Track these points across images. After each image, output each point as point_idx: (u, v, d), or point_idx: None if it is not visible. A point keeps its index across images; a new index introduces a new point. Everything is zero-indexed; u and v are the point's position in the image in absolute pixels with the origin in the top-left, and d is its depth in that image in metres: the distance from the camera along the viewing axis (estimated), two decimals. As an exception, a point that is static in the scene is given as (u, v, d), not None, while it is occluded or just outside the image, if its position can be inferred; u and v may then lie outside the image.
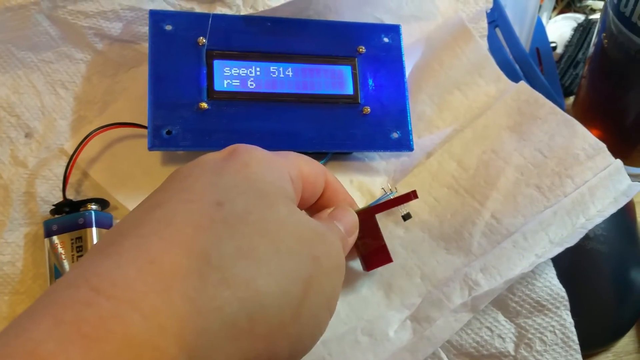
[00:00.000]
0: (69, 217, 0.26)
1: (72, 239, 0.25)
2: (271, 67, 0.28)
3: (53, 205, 0.27)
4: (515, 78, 0.30)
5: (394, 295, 0.25)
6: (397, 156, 0.30)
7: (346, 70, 0.29)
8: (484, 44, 0.31)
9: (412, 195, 0.24)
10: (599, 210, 0.25)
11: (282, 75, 0.28)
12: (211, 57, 0.27)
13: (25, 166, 0.28)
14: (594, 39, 0.31)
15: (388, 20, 0.32)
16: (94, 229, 0.25)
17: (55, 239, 0.26)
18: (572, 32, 0.39)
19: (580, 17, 0.40)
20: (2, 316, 0.26)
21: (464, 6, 0.32)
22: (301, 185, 0.20)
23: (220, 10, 0.30)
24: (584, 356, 0.24)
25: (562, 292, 0.24)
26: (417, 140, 0.29)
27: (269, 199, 0.17)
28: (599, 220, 0.24)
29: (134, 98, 0.29)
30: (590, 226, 0.24)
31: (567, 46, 0.38)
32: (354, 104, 0.28)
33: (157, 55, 0.26)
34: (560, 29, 0.40)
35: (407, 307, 0.25)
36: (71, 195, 0.28)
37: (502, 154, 0.27)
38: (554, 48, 0.38)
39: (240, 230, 0.16)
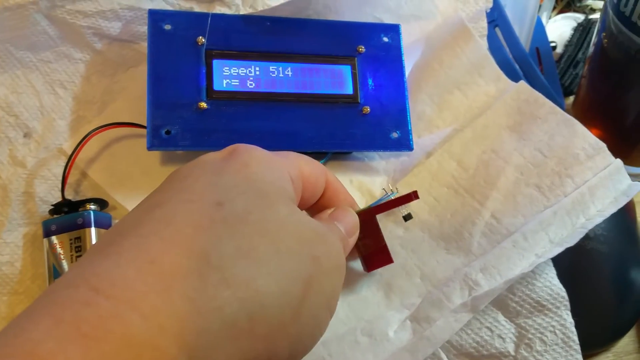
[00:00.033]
0: (67, 217, 0.26)
1: (70, 239, 0.25)
2: (270, 67, 0.28)
3: (52, 205, 0.27)
4: (515, 78, 0.30)
5: (393, 296, 0.25)
6: (397, 156, 0.30)
7: (346, 70, 0.29)
8: (484, 43, 0.31)
9: (412, 196, 0.24)
10: (599, 210, 0.25)
11: (281, 75, 0.28)
12: (210, 57, 0.27)
13: (24, 166, 0.28)
14: (593, 39, 0.31)
15: (387, 19, 0.32)
16: (93, 229, 0.25)
17: (54, 239, 0.25)
18: (572, 32, 0.39)
19: (580, 17, 0.40)
20: (1, 316, 0.26)
21: (463, 5, 0.32)
22: (301, 185, 0.20)
23: (219, 9, 0.30)
24: (584, 356, 0.24)
25: (563, 292, 0.24)
26: (416, 140, 0.29)
27: (269, 199, 0.17)
28: (599, 220, 0.24)
29: (133, 98, 0.29)
30: (590, 226, 0.24)
31: (567, 46, 0.38)
32: (354, 103, 0.28)
33: (156, 55, 0.26)
34: (560, 28, 0.40)
35: (407, 307, 0.25)
36: (70, 195, 0.27)
37: (502, 154, 0.27)
38: (554, 48, 0.38)
39: (240, 230, 0.16)
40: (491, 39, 0.32)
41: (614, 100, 0.31)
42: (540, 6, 0.39)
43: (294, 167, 0.20)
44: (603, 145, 0.26)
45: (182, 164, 0.19)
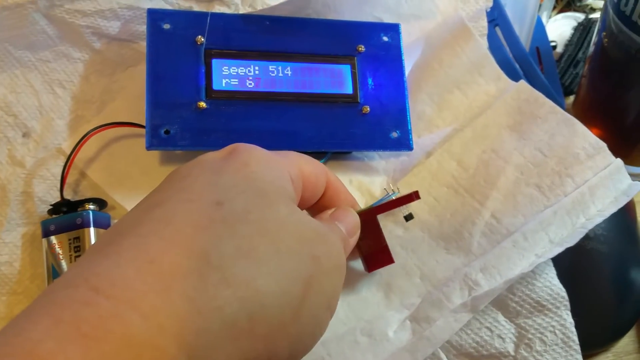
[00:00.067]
0: (66, 217, 0.26)
1: (69, 239, 0.25)
2: (270, 66, 0.27)
3: (51, 205, 0.27)
4: (515, 77, 0.30)
5: (393, 296, 0.25)
6: (397, 156, 0.30)
7: (345, 70, 0.29)
8: (484, 42, 0.31)
9: (414, 196, 0.24)
10: (599, 209, 0.25)
11: (281, 75, 0.28)
12: (209, 56, 0.27)
13: (22, 166, 0.28)
14: (594, 38, 0.31)
15: (387, 19, 0.32)
16: (92, 229, 0.25)
17: (52, 239, 0.25)
18: (572, 31, 0.39)
19: (580, 16, 0.39)
20: (0, 316, 0.26)
21: (463, 5, 0.32)
22: (301, 185, 0.20)
23: (218, 9, 0.29)
24: (584, 356, 0.24)
25: (562, 292, 0.24)
26: (416, 140, 0.29)
27: (268, 199, 0.17)
28: (599, 219, 0.24)
29: (132, 97, 0.29)
30: (590, 226, 0.24)
31: (567, 45, 0.38)
32: (354, 103, 0.28)
33: (155, 54, 0.26)
34: (560, 28, 0.40)
35: (407, 307, 0.25)
36: (69, 195, 0.27)
37: (502, 153, 0.27)
38: (554, 47, 0.38)
39: (240, 229, 0.16)
40: (491, 38, 0.32)
41: (615, 100, 0.31)
42: (540, 5, 0.39)
43: (294, 166, 0.20)
44: (603, 145, 0.26)
45: (181, 163, 0.19)
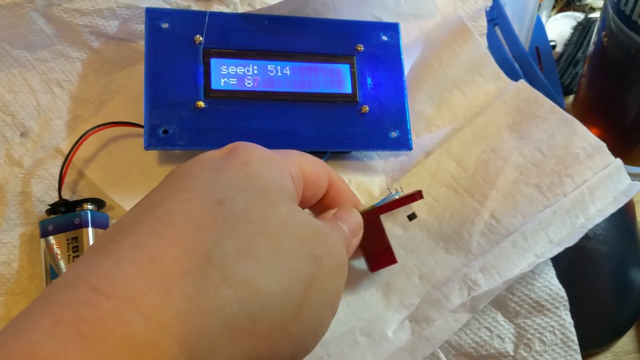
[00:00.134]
0: (64, 217, 0.26)
1: (68, 239, 0.25)
2: (269, 66, 0.27)
3: (49, 205, 0.26)
4: (514, 77, 0.30)
5: (392, 296, 0.25)
6: (396, 155, 0.30)
7: (344, 69, 0.28)
8: (483, 42, 0.31)
9: (417, 196, 0.24)
10: (598, 209, 0.25)
11: (279, 74, 0.27)
12: (208, 56, 0.27)
13: (20, 166, 0.28)
14: (593, 38, 0.30)
15: (386, 18, 0.32)
16: (90, 229, 0.25)
17: (51, 239, 0.25)
18: (572, 31, 0.39)
19: (580, 16, 0.39)
20: (-2, 317, 0.26)
21: (463, 4, 0.32)
22: (302, 184, 0.20)
23: (217, 8, 0.29)
24: (583, 356, 0.24)
25: (562, 292, 0.24)
26: (416, 140, 0.29)
27: (269, 198, 0.17)
28: (598, 219, 0.24)
29: (130, 97, 0.29)
30: (589, 226, 0.24)
31: (567, 45, 0.38)
32: (353, 102, 0.28)
33: (153, 54, 0.26)
34: (559, 27, 0.40)
35: (406, 307, 0.25)
36: (67, 195, 0.27)
37: (501, 153, 0.27)
38: (554, 47, 0.38)
39: (240, 229, 0.16)
40: (491, 37, 0.32)
41: (614, 100, 0.31)
42: (540, 5, 0.39)
43: (295, 165, 0.20)
44: (603, 145, 0.26)
45: (179, 163, 0.19)
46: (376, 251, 0.24)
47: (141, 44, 0.29)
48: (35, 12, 0.28)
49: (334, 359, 0.24)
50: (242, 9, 0.29)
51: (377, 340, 0.24)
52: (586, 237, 0.25)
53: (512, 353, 0.24)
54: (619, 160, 0.26)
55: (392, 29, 0.30)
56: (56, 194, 0.27)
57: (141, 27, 0.29)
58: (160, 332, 0.13)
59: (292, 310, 0.16)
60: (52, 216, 0.26)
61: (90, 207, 0.26)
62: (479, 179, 0.27)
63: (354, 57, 0.29)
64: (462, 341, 0.24)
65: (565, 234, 0.24)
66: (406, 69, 0.30)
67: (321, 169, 0.21)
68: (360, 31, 0.29)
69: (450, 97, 0.30)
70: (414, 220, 0.26)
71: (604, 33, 0.28)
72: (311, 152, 0.25)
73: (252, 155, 0.18)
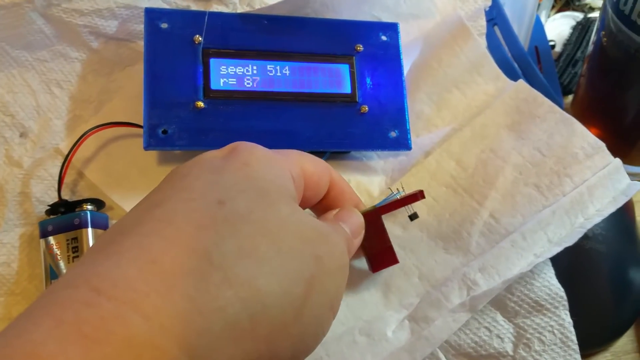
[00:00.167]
0: (64, 217, 0.26)
1: (67, 240, 0.25)
2: (268, 66, 0.27)
3: (48, 205, 0.26)
4: (514, 76, 0.30)
5: (392, 295, 0.25)
6: (395, 155, 0.30)
7: (344, 69, 0.28)
8: (483, 42, 0.31)
9: (419, 196, 0.23)
10: (597, 209, 0.25)
11: (279, 74, 0.27)
12: (207, 56, 0.27)
13: (20, 166, 0.28)
14: (592, 38, 0.30)
15: (386, 18, 0.32)
16: (90, 230, 0.25)
17: (50, 239, 0.25)
18: (571, 31, 0.39)
19: (579, 16, 0.39)
20: (-2, 317, 0.26)
21: (462, 4, 0.32)
22: (303, 184, 0.20)
23: (216, 8, 0.29)
24: (582, 356, 0.24)
25: (561, 291, 0.24)
26: (415, 139, 0.29)
27: (270, 198, 0.17)
28: (597, 219, 0.24)
29: (129, 97, 0.29)
30: (589, 226, 0.24)
31: (566, 44, 0.38)
32: (352, 102, 0.28)
33: (152, 54, 0.26)
34: (559, 27, 0.40)
35: (405, 307, 0.25)
36: (66, 196, 0.27)
37: (500, 153, 0.27)
38: (553, 46, 0.38)
39: (241, 229, 0.16)
40: (490, 37, 0.32)
41: (613, 99, 0.31)
42: (539, 5, 0.39)
43: (295, 165, 0.20)
44: (602, 145, 0.26)
45: (179, 163, 0.19)
46: (377, 251, 0.24)
47: (140, 44, 0.29)
48: (35, 12, 0.28)
49: (334, 359, 0.24)
50: (241, 9, 0.29)
51: (376, 340, 0.24)
52: (585, 237, 0.25)
53: (511, 353, 0.24)
54: (618, 160, 0.26)
55: (392, 29, 0.30)
56: (56, 194, 0.27)
57: (140, 27, 0.29)
58: (161, 332, 0.13)
59: (293, 311, 0.16)
60: (51, 216, 0.26)
61: (89, 207, 0.26)
62: (478, 178, 0.27)
63: (354, 57, 0.29)
64: (462, 341, 0.24)
65: (565, 233, 0.24)
66: (405, 69, 0.30)
67: (322, 169, 0.21)
68: (360, 31, 0.29)
69: (449, 97, 0.30)
70: (414, 220, 0.26)
71: (603, 33, 0.28)
72: (311, 152, 0.25)
73: (252, 155, 0.18)
